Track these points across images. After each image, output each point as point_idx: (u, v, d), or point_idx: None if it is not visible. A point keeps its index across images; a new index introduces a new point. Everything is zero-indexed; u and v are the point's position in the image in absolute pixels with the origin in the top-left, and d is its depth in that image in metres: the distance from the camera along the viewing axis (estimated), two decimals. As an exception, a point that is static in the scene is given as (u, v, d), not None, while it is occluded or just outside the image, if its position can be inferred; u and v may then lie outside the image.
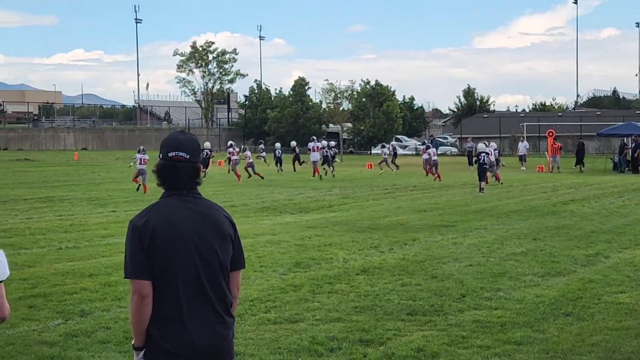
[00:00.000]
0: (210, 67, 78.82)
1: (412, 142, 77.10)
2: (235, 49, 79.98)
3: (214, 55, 78.58)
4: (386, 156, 43.69)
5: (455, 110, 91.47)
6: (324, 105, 76.47)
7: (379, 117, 74.10)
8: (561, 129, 58.78)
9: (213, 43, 79.47)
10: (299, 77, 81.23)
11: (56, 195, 25.67)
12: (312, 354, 7.50)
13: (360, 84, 76.28)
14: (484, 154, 28.85)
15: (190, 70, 78.21)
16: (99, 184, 32.10)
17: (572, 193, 27.26)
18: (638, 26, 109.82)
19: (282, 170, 42.26)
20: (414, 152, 68.81)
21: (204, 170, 33.91)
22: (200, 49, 78.13)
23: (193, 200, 4.10)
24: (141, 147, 29.86)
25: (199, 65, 78.49)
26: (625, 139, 44.65)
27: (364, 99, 75.67)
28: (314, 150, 38.45)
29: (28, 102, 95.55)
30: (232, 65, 79.68)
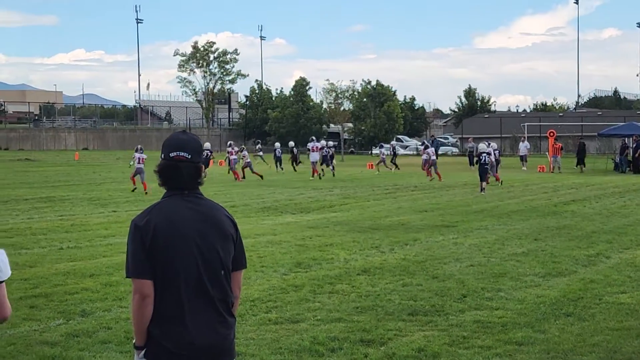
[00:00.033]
0: (211, 67, 78.85)
1: (413, 142, 77.09)
2: (236, 49, 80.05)
3: (215, 55, 78.62)
4: (384, 156, 43.73)
5: (456, 110, 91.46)
6: (324, 106, 76.42)
7: (379, 117, 74.08)
8: (562, 129, 58.77)
9: (214, 43, 79.52)
10: (300, 77, 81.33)
11: (57, 195, 25.68)
12: (313, 354, 7.50)
13: (361, 84, 76.29)
14: (485, 154, 28.83)
15: (192, 70, 78.24)
16: (99, 184, 32.11)
17: (573, 193, 27.26)
18: (639, 26, 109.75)
19: (282, 169, 42.28)
20: (414, 152, 68.81)
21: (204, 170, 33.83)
22: (202, 49, 78.14)
23: (195, 200, 4.11)
24: (139, 146, 29.89)
25: (200, 65, 78.53)
26: (626, 139, 44.64)
27: (364, 99, 75.64)
28: (313, 151, 38.45)
29: (29, 102, 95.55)
30: (233, 66, 79.74)
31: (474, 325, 8.56)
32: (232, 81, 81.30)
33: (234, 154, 37.03)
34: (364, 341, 7.95)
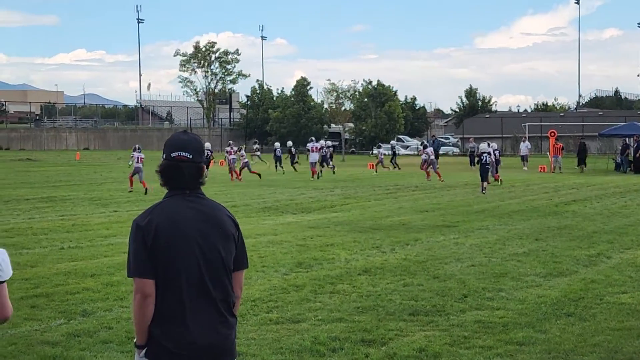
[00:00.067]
0: (212, 67, 78.84)
1: (414, 142, 77.04)
2: (237, 50, 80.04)
3: (217, 55, 78.61)
4: (382, 157, 43.76)
5: (457, 110, 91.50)
6: (325, 106, 76.42)
7: (380, 117, 74.07)
8: (563, 129, 58.76)
9: (215, 44, 79.49)
10: (301, 77, 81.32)
11: (58, 195, 25.68)
12: (314, 354, 7.50)
13: (362, 84, 76.28)
14: (486, 154, 28.83)
15: (193, 70, 78.22)
16: (100, 184, 32.12)
17: (574, 193, 27.25)
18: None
19: (282, 168, 42.30)
20: (415, 152, 68.77)
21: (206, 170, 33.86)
22: (204, 49, 78.12)
23: (196, 200, 4.11)
24: (137, 146, 29.94)
25: (201, 65, 78.52)
26: (627, 139, 44.63)
27: (365, 99, 75.65)
28: (312, 151, 38.44)
29: (30, 102, 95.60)
30: (235, 66, 79.73)
31: (475, 325, 8.56)
32: (234, 81, 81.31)
33: (232, 153, 37.04)
34: (365, 341, 7.95)
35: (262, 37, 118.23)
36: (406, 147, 72.66)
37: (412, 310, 9.25)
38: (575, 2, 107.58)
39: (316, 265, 12.35)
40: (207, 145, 39.91)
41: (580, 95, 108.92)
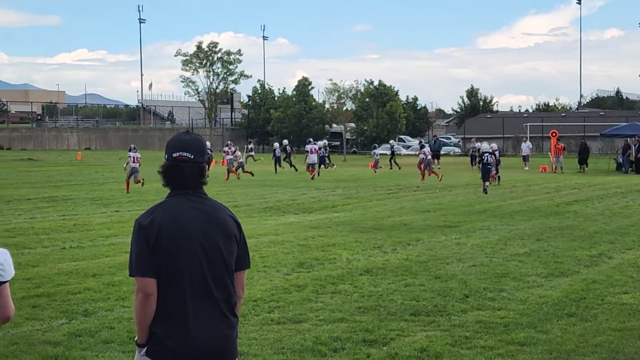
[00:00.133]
0: (214, 67, 78.82)
1: (415, 142, 76.98)
2: (239, 50, 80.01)
3: (219, 55, 78.59)
4: (377, 157, 43.81)
5: (458, 110, 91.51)
6: (327, 106, 76.39)
7: (382, 117, 74.07)
8: (564, 129, 58.72)
9: (217, 44, 79.46)
10: (303, 77, 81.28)
11: (60, 195, 25.69)
12: (316, 354, 7.51)
13: (363, 84, 76.27)
14: (487, 153, 28.82)
15: (196, 70, 78.18)
16: (102, 183, 32.13)
17: (575, 193, 27.24)
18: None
19: (282, 167, 42.31)
20: (417, 152, 68.71)
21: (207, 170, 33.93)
22: (207, 49, 78.08)
23: (199, 200, 4.13)
24: (132, 146, 30.05)
25: (203, 64, 78.49)
26: (628, 139, 44.61)
27: (367, 99, 75.64)
28: (311, 152, 38.45)
29: (31, 102, 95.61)
30: (237, 66, 79.71)
31: (477, 325, 8.56)
32: (235, 81, 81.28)
33: (230, 154, 37.08)
34: (366, 341, 7.95)
35: (263, 37, 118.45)
36: (408, 147, 72.60)
37: (414, 311, 9.25)
38: (576, 2, 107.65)
39: (318, 266, 12.35)
40: (207, 144, 39.88)
41: (581, 96, 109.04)
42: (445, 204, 23.29)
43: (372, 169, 43.55)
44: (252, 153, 48.46)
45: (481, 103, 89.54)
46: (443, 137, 74.81)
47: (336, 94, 70.31)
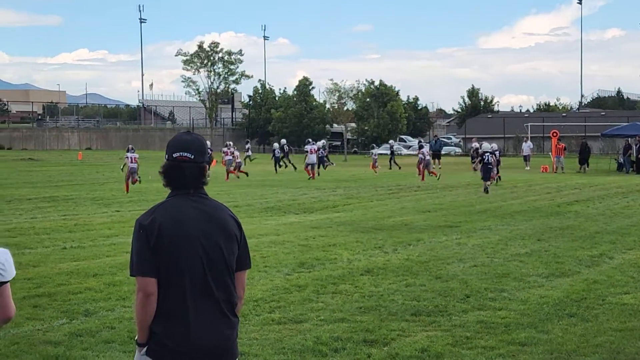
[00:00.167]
0: (215, 67, 78.77)
1: (416, 142, 76.96)
2: (240, 50, 79.97)
3: (220, 55, 78.54)
4: (376, 157, 43.86)
5: (459, 110, 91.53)
6: (328, 106, 76.41)
7: (383, 117, 74.09)
8: (565, 129, 58.72)
9: (219, 44, 79.42)
10: (303, 77, 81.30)
11: (60, 195, 25.70)
12: (316, 354, 7.51)
13: (364, 84, 76.27)
14: (488, 153, 28.82)
15: (197, 69, 78.14)
16: (103, 183, 32.14)
17: (576, 194, 27.23)
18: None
19: (281, 167, 42.33)
20: (416, 153, 68.68)
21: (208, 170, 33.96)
22: (208, 49, 78.04)
23: (199, 200, 4.13)
24: (130, 146, 30.12)
25: (204, 64, 78.44)
26: (629, 139, 44.59)
27: (368, 99, 75.65)
28: (311, 153, 38.49)
29: (32, 102, 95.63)
30: (238, 67, 79.68)
31: (477, 325, 8.56)
32: (236, 81, 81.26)
33: (229, 154, 37.09)
34: (367, 341, 7.95)
35: (264, 37, 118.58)
36: (408, 147, 72.62)
37: (415, 311, 9.25)
38: (577, 2, 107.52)
39: (318, 266, 12.35)
40: (207, 144, 39.87)
41: (582, 96, 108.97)
42: (446, 204, 23.29)
43: (372, 169, 43.56)
44: (249, 153, 48.43)
45: (482, 103, 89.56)
46: (444, 137, 74.81)
47: (337, 94, 70.34)
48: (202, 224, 4.06)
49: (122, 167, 30.25)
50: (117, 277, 11.16)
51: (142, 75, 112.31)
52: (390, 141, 54.63)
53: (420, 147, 39.44)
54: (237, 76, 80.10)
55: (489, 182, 27.89)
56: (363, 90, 75.27)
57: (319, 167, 39.11)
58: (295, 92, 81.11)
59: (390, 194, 27.41)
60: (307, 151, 38.77)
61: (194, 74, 78.62)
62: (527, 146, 48.09)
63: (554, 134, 45.31)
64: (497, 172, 32.52)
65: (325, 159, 41.64)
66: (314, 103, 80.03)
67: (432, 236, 15.88)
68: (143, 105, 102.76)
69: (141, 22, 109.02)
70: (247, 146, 50.64)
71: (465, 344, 7.84)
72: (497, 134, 66.01)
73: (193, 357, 3.95)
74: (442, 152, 53.67)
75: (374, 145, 49.02)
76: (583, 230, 16.90)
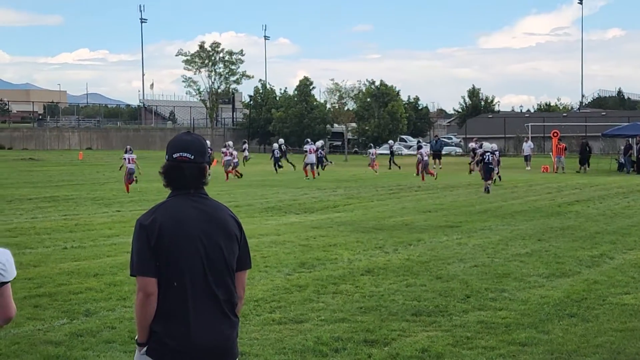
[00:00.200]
0: (216, 67, 78.70)
1: (416, 143, 76.94)
2: (242, 50, 79.92)
3: (221, 55, 78.48)
4: (373, 156, 43.86)
5: (459, 110, 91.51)
6: (328, 105, 76.40)
7: (383, 117, 74.08)
8: (566, 129, 58.71)
9: (220, 44, 79.36)
10: (304, 76, 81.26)
11: (61, 195, 25.71)
12: (317, 354, 7.51)
13: (364, 84, 76.25)
14: (489, 153, 28.82)
15: (198, 69, 78.08)
16: (103, 183, 32.15)
17: (576, 194, 27.23)
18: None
19: (281, 167, 42.38)
20: (416, 153, 68.65)
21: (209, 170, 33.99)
22: (209, 49, 77.98)
23: (200, 200, 4.14)
24: (128, 147, 30.16)
25: (205, 64, 78.37)
26: (630, 139, 44.59)
27: (368, 99, 75.64)
28: (310, 153, 38.52)
29: (33, 102, 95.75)
30: (239, 67, 79.63)
31: (478, 325, 8.56)
32: (237, 82, 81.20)
33: (227, 154, 37.10)
34: (367, 341, 7.95)
35: (265, 36, 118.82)
36: (409, 147, 72.62)
37: (415, 311, 9.25)
38: (578, 2, 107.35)
39: (319, 266, 12.35)
40: (207, 144, 39.83)
41: (583, 96, 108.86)
42: (447, 204, 23.29)
43: (372, 169, 43.56)
44: (246, 153, 48.40)
45: (483, 103, 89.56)
46: (444, 137, 74.81)
47: (337, 94, 70.32)
48: (202, 224, 4.07)
49: (120, 167, 30.30)
50: (118, 277, 11.17)
51: (143, 75, 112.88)
52: (390, 141, 54.59)
53: (419, 147, 39.47)
54: (238, 76, 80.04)
55: (489, 182, 27.89)
56: (364, 90, 75.24)
57: (318, 167, 39.14)
58: (295, 92, 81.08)
59: (391, 194, 27.41)
60: (306, 151, 38.84)
61: (195, 74, 78.56)
62: (527, 146, 48.07)
63: (555, 134, 45.29)
64: (497, 172, 32.55)
65: (324, 159, 41.72)
66: (315, 103, 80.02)
67: (433, 236, 15.88)
68: (144, 105, 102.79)
69: (142, 22, 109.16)
70: (244, 146, 50.48)
71: (465, 344, 7.84)
72: (498, 134, 66.02)
73: (193, 356, 3.96)
74: (443, 152, 53.62)
75: (372, 145, 49.03)
76: (584, 230, 16.90)
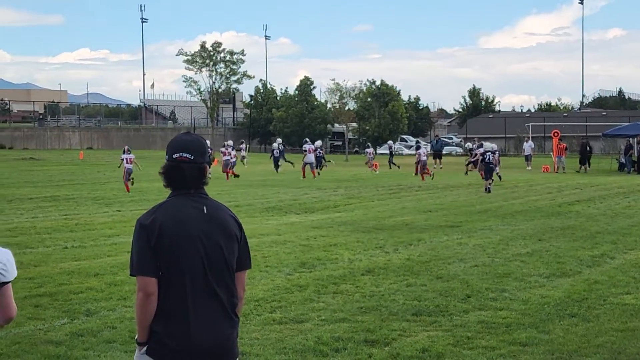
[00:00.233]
0: (217, 67, 78.68)
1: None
2: (243, 50, 79.91)
3: (222, 55, 78.46)
4: (371, 156, 43.86)
5: (460, 110, 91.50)
6: (329, 105, 76.40)
7: (384, 117, 74.07)
8: (566, 129, 58.70)
9: (221, 44, 79.35)
10: (305, 76, 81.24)
11: (62, 195, 25.71)
12: (318, 354, 7.51)
13: (365, 84, 76.25)
14: (489, 153, 28.83)
15: (199, 69, 78.05)
16: (104, 183, 32.15)
17: (577, 194, 27.23)
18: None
19: (280, 166, 42.46)
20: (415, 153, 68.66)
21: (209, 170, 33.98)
22: (211, 48, 77.96)
23: (200, 200, 4.15)
24: (126, 148, 30.21)
25: (206, 64, 78.35)
26: (630, 139, 44.58)
27: (369, 99, 75.64)
28: (309, 152, 38.54)
29: (34, 101, 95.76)
30: (240, 67, 79.63)
31: (478, 325, 8.56)
32: (238, 81, 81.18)
33: (227, 154, 37.12)
34: (368, 341, 7.95)
35: (265, 36, 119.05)
36: (410, 147, 72.63)
37: (415, 311, 9.25)
38: (579, 2, 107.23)
39: (319, 266, 12.35)
40: (207, 144, 39.81)
41: (583, 95, 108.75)
42: (447, 203, 23.29)
43: (372, 168, 43.56)
44: (244, 154, 48.39)
45: (483, 103, 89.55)
46: (445, 137, 74.79)
47: (338, 94, 70.32)
48: (202, 224, 4.07)
49: (119, 165, 30.39)
50: (119, 277, 11.17)
51: (144, 74, 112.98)
52: (389, 142, 54.62)
53: (418, 147, 39.52)
54: (239, 76, 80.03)
55: (490, 182, 27.89)
56: (364, 90, 75.23)
57: (317, 167, 39.17)
58: (296, 92, 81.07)
59: (391, 193, 27.42)
60: (305, 150, 38.88)
61: (196, 74, 78.55)
62: (528, 146, 48.06)
63: (555, 134, 45.29)
64: (497, 172, 32.59)
65: (322, 159, 41.71)
66: (315, 103, 80.00)
67: (433, 236, 15.88)
68: (144, 104, 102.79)
69: (142, 22, 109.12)
70: (241, 146, 50.34)
71: (466, 344, 7.84)
72: (499, 133, 66.03)
73: (193, 356, 3.97)
74: (443, 152, 53.62)
75: (369, 144, 49.07)
76: (584, 230, 16.90)
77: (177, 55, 78.57)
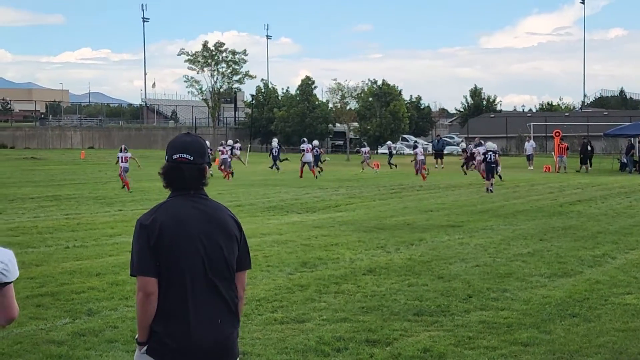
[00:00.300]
0: (219, 67, 78.64)
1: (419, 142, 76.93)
2: (245, 50, 79.88)
3: (224, 55, 78.42)
4: (367, 155, 43.88)
5: (461, 110, 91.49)
6: (330, 105, 76.39)
7: (385, 116, 74.06)
8: (568, 129, 58.69)
9: (224, 44, 79.31)
10: (306, 76, 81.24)
11: (63, 194, 25.72)
12: (319, 354, 7.51)
13: (367, 84, 76.23)
14: (491, 152, 28.82)
15: (200, 69, 78.02)
16: (105, 182, 32.16)
17: (578, 193, 27.22)
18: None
19: (278, 167, 42.48)
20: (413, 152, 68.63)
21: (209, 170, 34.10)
22: (213, 48, 77.92)
23: (200, 200, 4.16)
24: (123, 146, 30.28)
25: (208, 63, 78.32)
26: (632, 139, 44.57)
27: (370, 99, 75.63)
28: (307, 152, 38.57)
29: (35, 101, 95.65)
30: (242, 67, 79.58)
31: (480, 325, 8.56)
32: (240, 81, 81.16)
33: (224, 152, 37.13)
34: (369, 341, 7.95)
35: (267, 36, 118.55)
36: (411, 147, 72.64)
37: (417, 311, 9.25)
38: (580, 2, 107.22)
39: (321, 265, 12.36)
40: (207, 144, 39.82)
41: (585, 95, 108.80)
42: (449, 203, 23.29)
43: (377, 168, 43.58)
44: (238, 153, 48.37)
45: (484, 102, 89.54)
46: (446, 137, 74.80)
47: (340, 94, 70.30)
48: (202, 224, 4.08)
49: (116, 162, 30.52)
50: (120, 277, 11.17)
51: (145, 74, 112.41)
52: (389, 142, 54.65)
53: (415, 147, 39.58)
54: (241, 76, 79.99)
55: (491, 181, 27.89)
56: (366, 90, 75.21)
57: (315, 166, 39.20)
58: (297, 92, 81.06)
59: (393, 193, 27.42)
60: (303, 150, 38.94)
61: (197, 73, 78.53)
62: (529, 146, 48.07)
63: (557, 134, 45.28)
64: (498, 172, 32.57)
65: (320, 158, 41.79)
66: (317, 102, 80.00)
67: (435, 236, 15.88)
68: (146, 104, 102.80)
69: (144, 21, 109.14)
70: (236, 145, 50.19)
71: (467, 344, 7.84)
72: (500, 133, 66.00)
73: (193, 356, 3.98)
74: (445, 152, 53.63)
75: (365, 143, 49.12)
76: (585, 230, 16.90)
77: (178, 55, 78.52)
